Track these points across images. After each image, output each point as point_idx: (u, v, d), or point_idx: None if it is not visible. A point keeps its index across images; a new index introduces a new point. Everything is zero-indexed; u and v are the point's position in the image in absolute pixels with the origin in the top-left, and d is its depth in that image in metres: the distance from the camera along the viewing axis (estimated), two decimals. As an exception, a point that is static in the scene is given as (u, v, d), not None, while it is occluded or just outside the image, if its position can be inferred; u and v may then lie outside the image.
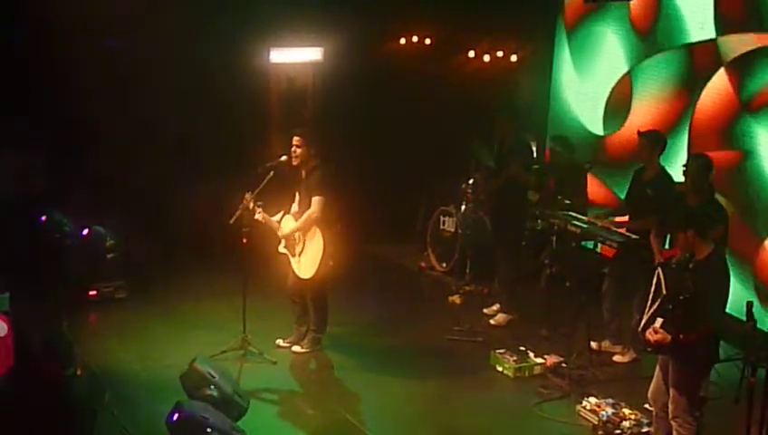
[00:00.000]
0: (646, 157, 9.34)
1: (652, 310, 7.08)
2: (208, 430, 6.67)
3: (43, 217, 10.47)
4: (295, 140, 9.17)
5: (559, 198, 10.47)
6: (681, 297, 6.89)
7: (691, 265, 7.03)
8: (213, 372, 7.47)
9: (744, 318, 8.45)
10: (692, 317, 6.89)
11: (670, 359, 7.22)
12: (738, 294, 9.12)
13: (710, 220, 7.48)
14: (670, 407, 7.31)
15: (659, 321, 7.01)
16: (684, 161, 9.07)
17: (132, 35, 11.29)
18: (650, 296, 7.15)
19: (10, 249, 9.80)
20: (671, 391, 7.27)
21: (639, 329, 7.25)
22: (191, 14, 11.51)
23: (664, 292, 6.99)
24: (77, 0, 10.58)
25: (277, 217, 9.37)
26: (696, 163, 8.71)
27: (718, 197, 8.90)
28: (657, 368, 7.46)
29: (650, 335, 7.02)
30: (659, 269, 7.13)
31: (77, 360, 6.40)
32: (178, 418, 6.73)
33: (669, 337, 6.93)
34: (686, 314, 6.90)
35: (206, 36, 11.68)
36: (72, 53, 10.80)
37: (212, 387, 7.32)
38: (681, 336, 6.90)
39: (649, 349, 7.25)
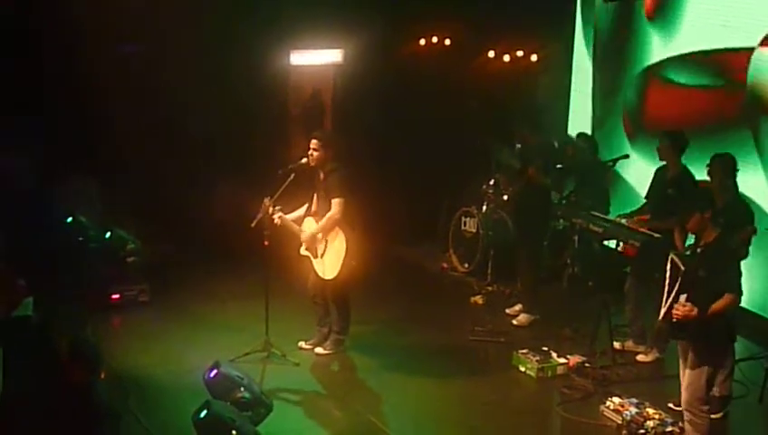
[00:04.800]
0: (667, 156, 9.31)
1: (672, 295, 7.07)
2: (233, 432, 6.69)
3: (68, 220, 10.55)
4: (313, 142, 9.19)
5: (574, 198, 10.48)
6: (700, 273, 6.95)
7: (699, 250, 7.14)
8: (240, 374, 7.49)
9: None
10: (712, 292, 6.92)
11: (689, 343, 7.20)
12: (763, 293, 9.10)
13: (732, 214, 7.51)
14: (684, 395, 7.29)
15: (683, 296, 7.00)
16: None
17: (153, 38, 11.34)
18: (666, 284, 7.15)
19: (33, 252, 9.86)
20: (687, 376, 7.25)
21: (660, 318, 7.23)
22: (211, 17, 11.56)
23: (682, 268, 7.00)
24: (100, 4, 10.67)
25: (298, 214, 9.39)
26: (721, 162, 8.66)
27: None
28: (681, 365, 7.42)
29: (676, 311, 6.99)
30: (672, 256, 7.17)
31: (102, 364, 6.42)
32: (207, 415, 6.74)
33: (696, 310, 6.91)
34: (707, 287, 6.94)
35: (226, 39, 11.73)
36: (94, 57, 10.88)
37: (242, 389, 7.33)
38: (705, 308, 6.91)
39: (674, 334, 7.25)
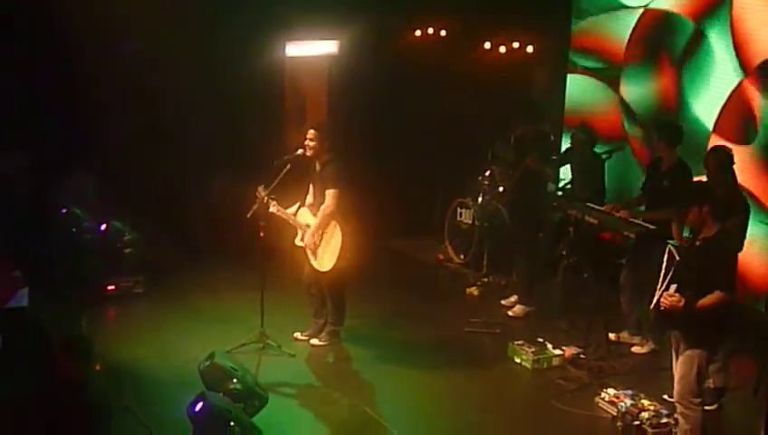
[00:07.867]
0: (662, 148, 9.31)
1: (664, 284, 7.09)
2: (231, 423, 6.69)
3: (63, 212, 10.56)
4: (310, 133, 9.19)
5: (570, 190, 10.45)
6: (693, 263, 6.97)
7: (698, 243, 7.13)
8: (234, 366, 7.49)
9: (763, 308, 8.45)
10: (703, 285, 6.92)
11: (681, 336, 7.21)
12: (758, 285, 9.10)
13: (727, 207, 7.51)
14: (676, 387, 7.31)
15: (673, 287, 7.02)
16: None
17: (148, 31, 11.29)
18: (661, 273, 7.15)
19: (28, 244, 9.86)
20: (678, 370, 7.26)
21: (651, 306, 7.24)
22: (206, 9, 11.53)
23: (677, 258, 7.02)
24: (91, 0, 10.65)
25: (292, 210, 9.38)
26: (715, 157, 8.65)
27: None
28: (674, 357, 7.42)
29: (665, 300, 7.00)
30: (669, 245, 7.19)
31: (96, 357, 6.41)
32: (202, 408, 6.73)
33: (683, 300, 6.91)
34: (698, 280, 6.94)
35: (221, 31, 11.70)
36: (87, 53, 10.84)
37: (235, 380, 7.34)
38: (694, 301, 6.92)
39: (662, 323, 7.27)
